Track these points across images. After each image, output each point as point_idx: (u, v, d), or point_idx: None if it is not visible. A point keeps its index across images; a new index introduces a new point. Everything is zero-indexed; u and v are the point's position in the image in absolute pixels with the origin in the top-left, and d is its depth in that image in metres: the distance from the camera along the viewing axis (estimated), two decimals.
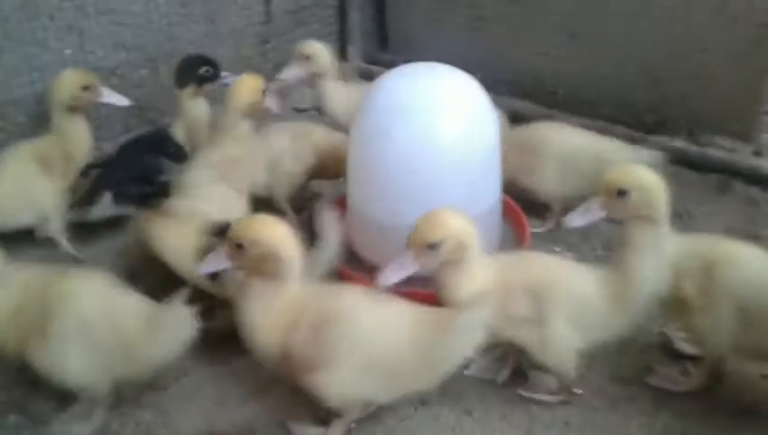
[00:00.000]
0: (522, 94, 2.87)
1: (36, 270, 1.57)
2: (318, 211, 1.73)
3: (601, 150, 2.18)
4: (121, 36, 2.58)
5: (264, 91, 2.10)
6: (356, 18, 3.34)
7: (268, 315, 1.45)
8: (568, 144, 2.21)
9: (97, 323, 1.46)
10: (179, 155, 2.19)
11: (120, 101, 2.22)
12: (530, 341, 1.54)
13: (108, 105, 2.26)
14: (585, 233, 2.25)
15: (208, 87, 2.28)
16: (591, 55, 2.70)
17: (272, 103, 2.14)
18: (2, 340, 1.50)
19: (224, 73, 2.29)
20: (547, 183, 2.21)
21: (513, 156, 2.14)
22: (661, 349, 1.80)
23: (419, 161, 1.76)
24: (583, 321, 1.53)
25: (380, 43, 3.46)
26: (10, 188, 2.06)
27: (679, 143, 2.58)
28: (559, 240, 2.22)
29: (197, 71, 2.24)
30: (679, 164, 2.52)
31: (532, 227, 2.20)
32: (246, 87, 2.07)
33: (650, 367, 1.74)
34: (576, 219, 1.59)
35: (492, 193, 1.91)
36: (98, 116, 2.45)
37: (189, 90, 2.25)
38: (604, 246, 2.21)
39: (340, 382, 1.42)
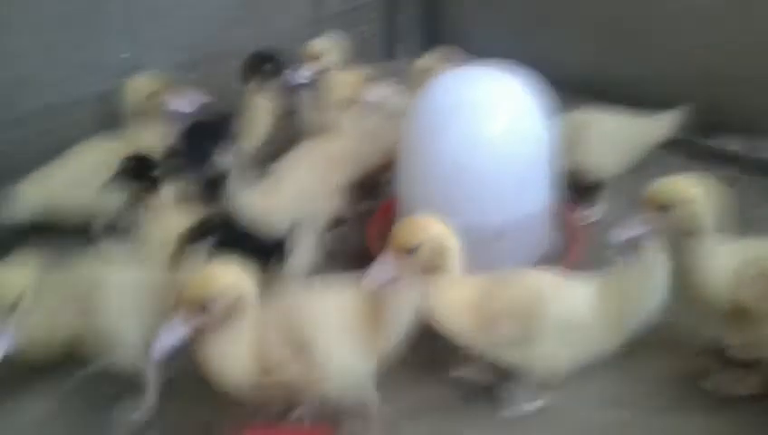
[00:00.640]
0: (571, 93, 2.85)
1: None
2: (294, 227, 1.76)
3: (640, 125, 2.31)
4: (176, 38, 2.65)
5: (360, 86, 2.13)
6: (404, 18, 3.36)
7: (456, 305, 1.51)
8: (609, 122, 2.29)
9: None
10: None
11: (184, 107, 2.24)
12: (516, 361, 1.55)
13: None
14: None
15: (272, 83, 2.30)
16: (645, 55, 2.67)
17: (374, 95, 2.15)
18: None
19: (287, 71, 2.31)
20: (596, 160, 2.24)
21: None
22: (715, 353, 1.77)
23: (468, 161, 1.77)
24: (572, 338, 1.52)
25: (429, 43, 3.47)
26: (71, 181, 2.13)
27: (736, 146, 2.54)
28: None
29: (260, 67, 2.27)
30: (736, 167, 2.48)
31: (584, 220, 2.22)
32: (344, 81, 2.10)
33: (705, 371, 1.72)
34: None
35: (543, 196, 1.90)
36: None
37: (253, 86, 2.28)
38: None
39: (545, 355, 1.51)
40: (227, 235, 1.74)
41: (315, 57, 2.38)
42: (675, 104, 2.39)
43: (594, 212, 2.31)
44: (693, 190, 1.50)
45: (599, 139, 2.25)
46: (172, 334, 1.32)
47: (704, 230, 1.50)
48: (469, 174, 1.78)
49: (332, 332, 1.43)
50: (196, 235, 1.69)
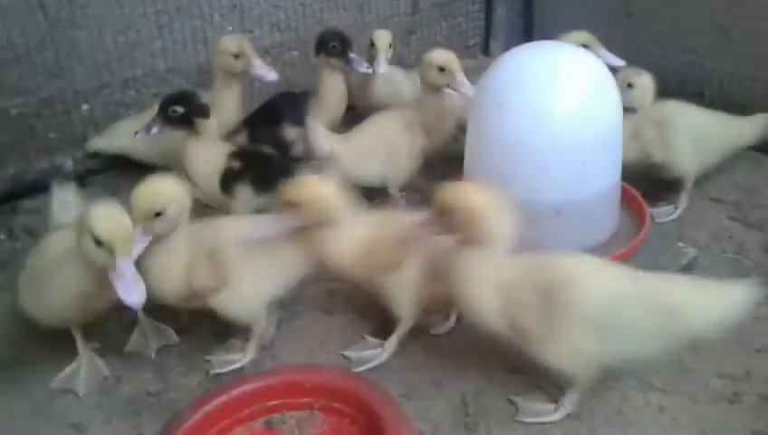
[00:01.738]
0: (665, 94, 2.77)
1: None
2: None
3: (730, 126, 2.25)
4: (277, 18, 2.79)
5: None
6: (502, 13, 3.38)
7: (485, 285, 1.46)
8: (698, 119, 2.22)
9: None
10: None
11: (269, 75, 2.32)
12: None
13: (258, 78, 2.37)
14: (716, 234, 2.16)
15: (339, 62, 2.37)
16: (742, 54, 2.56)
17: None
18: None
19: (352, 55, 2.37)
20: (681, 156, 2.17)
21: (646, 131, 2.16)
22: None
23: (532, 137, 1.77)
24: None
25: (525, 39, 3.46)
26: None
27: None
28: (686, 238, 2.13)
29: (328, 45, 2.36)
30: None
31: (659, 217, 2.15)
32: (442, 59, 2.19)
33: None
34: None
35: (607, 176, 1.88)
36: (250, 90, 2.65)
37: (320, 60, 2.39)
38: (736, 250, 2.10)
39: (572, 349, 1.43)
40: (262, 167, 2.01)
41: (383, 49, 2.47)
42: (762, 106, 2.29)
43: (668, 211, 2.23)
44: (478, 198, 1.44)
45: (683, 134, 2.18)
46: (138, 246, 1.47)
47: (485, 240, 1.44)
48: (530, 150, 1.79)
49: (243, 255, 1.60)
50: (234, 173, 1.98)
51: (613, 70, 2.08)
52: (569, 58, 1.84)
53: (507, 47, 3.43)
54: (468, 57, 3.41)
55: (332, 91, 2.40)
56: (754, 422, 1.53)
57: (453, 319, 1.80)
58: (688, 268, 1.98)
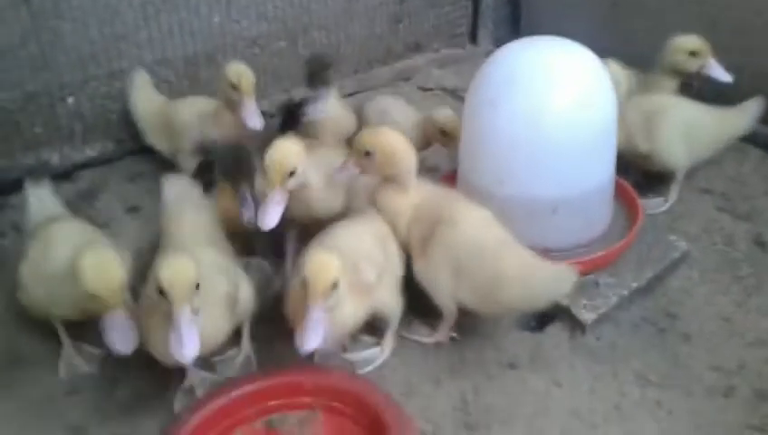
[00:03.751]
0: None
1: None
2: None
3: (722, 118, 2.26)
4: (265, 8, 2.75)
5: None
6: (489, 2, 3.36)
7: (403, 214, 1.72)
8: (690, 112, 2.23)
9: None
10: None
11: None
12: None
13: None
14: (706, 226, 2.18)
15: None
16: (729, 45, 2.57)
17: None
18: None
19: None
20: (670, 149, 2.19)
21: (635, 121, 2.18)
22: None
23: (526, 133, 1.76)
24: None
25: (512, 28, 3.47)
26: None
27: None
28: (677, 230, 2.15)
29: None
30: None
31: (648, 208, 2.17)
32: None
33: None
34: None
35: (602, 172, 1.88)
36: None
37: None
38: (726, 242, 2.12)
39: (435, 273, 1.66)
40: None
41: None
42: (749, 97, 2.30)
43: (659, 203, 2.25)
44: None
45: (673, 127, 2.19)
46: (277, 207, 1.63)
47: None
48: (524, 147, 1.78)
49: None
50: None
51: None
52: (563, 54, 1.83)
53: (495, 36, 3.47)
54: (456, 46, 3.40)
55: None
56: (748, 417, 1.56)
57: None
58: (681, 261, 2.00)
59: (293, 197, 1.70)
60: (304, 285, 1.39)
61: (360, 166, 1.70)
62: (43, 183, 1.91)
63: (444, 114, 2.20)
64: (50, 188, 1.91)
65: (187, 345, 1.31)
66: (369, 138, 1.68)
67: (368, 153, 1.67)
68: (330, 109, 2.20)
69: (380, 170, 1.70)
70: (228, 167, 1.81)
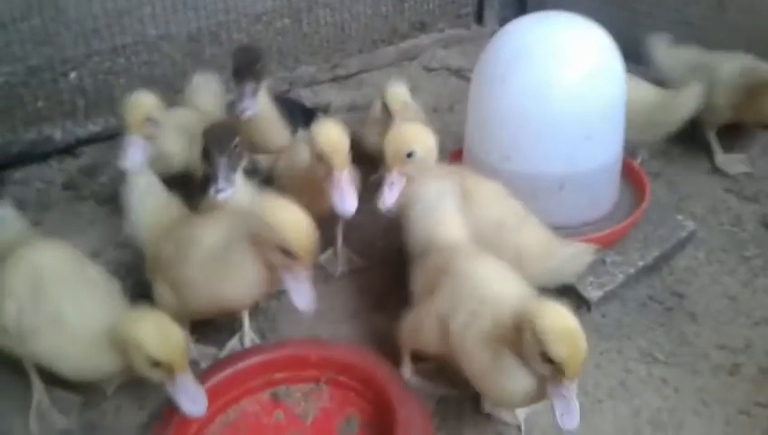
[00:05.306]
0: None
1: None
2: None
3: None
4: None
5: None
6: None
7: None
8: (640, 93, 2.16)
9: None
10: None
11: None
12: None
13: None
14: (713, 206, 2.17)
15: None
16: (736, 26, 2.56)
17: None
18: None
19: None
20: None
21: None
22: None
23: (534, 108, 1.75)
24: None
25: (518, 9, 3.43)
26: None
27: None
28: (684, 210, 2.14)
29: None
30: None
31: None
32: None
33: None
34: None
35: (609, 150, 1.86)
36: None
37: None
38: (732, 223, 2.11)
39: None
40: None
41: None
42: None
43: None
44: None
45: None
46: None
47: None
48: (532, 123, 1.76)
49: None
50: None
51: None
52: (572, 30, 1.81)
53: (501, 16, 3.44)
54: (461, 26, 3.38)
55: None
56: (754, 394, 1.56)
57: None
58: (687, 241, 1.99)
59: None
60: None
61: (404, 173, 1.62)
62: (2, 204, 1.69)
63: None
64: (9, 207, 1.68)
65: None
66: (410, 135, 1.62)
67: (410, 154, 1.60)
68: (260, 108, 1.90)
69: (423, 167, 1.62)
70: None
